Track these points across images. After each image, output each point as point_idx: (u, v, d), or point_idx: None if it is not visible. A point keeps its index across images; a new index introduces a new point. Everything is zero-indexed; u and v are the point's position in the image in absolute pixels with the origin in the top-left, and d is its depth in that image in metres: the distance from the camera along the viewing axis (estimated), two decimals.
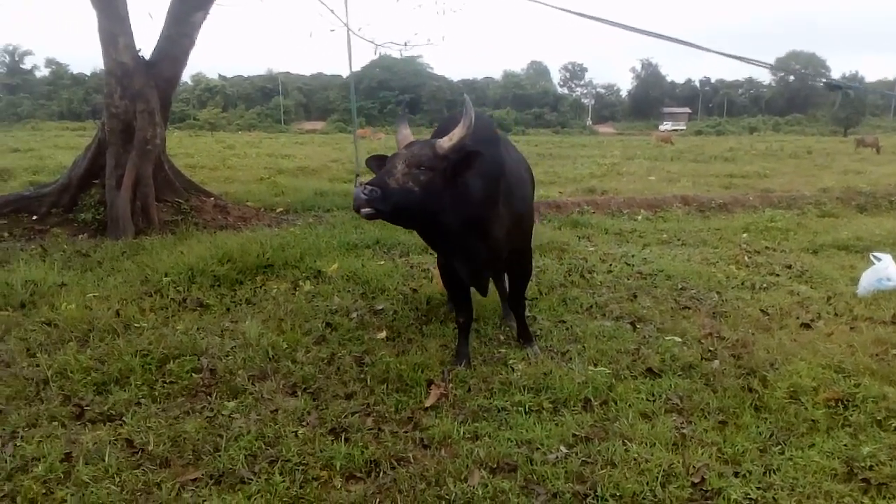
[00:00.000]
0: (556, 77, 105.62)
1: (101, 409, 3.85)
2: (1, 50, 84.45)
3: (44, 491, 3.05)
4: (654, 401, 4.07)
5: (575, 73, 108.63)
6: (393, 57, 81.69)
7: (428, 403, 4.02)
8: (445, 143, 3.82)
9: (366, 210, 3.61)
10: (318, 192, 13.02)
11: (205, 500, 2.98)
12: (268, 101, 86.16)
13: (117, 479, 3.15)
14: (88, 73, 77.87)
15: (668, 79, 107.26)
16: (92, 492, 3.03)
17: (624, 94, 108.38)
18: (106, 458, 3.28)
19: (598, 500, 3.05)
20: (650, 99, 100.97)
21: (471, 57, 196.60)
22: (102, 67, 9.07)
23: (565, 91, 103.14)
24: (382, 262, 7.39)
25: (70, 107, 75.77)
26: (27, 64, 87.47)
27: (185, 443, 3.48)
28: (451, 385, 4.23)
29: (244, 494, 3.03)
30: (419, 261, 7.66)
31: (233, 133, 54.75)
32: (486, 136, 4.17)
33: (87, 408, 3.86)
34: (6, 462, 3.26)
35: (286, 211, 11.40)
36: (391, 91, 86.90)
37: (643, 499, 3.08)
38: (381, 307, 5.86)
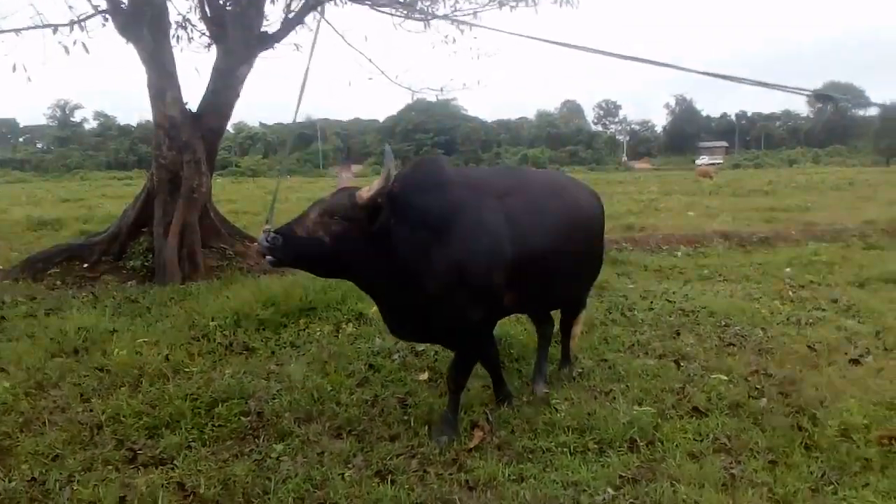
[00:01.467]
0: (590, 115, 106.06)
1: (153, 453, 3.94)
2: (53, 105, 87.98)
3: None
4: (701, 440, 4.03)
5: (609, 110, 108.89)
6: (428, 100, 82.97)
7: (472, 445, 4.03)
8: (365, 193, 3.63)
9: (268, 258, 3.62)
10: None
11: None
12: (307, 147, 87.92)
13: None
14: (135, 124, 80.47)
15: (704, 113, 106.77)
16: None
17: (659, 129, 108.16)
18: (158, 502, 3.36)
19: None
20: (686, 134, 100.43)
21: (505, 98, 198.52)
22: (148, 118, 9.46)
23: (599, 128, 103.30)
24: None
25: (117, 157, 78.18)
26: (77, 117, 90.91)
27: (234, 486, 3.55)
28: (494, 426, 4.22)
29: None
30: None
31: (272, 178, 55.84)
32: (429, 183, 3.94)
33: (140, 451, 3.96)
34: None
35: None
36: (426, 133, 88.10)
37: None
38: (422, 348, 5.90)
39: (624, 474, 3.63)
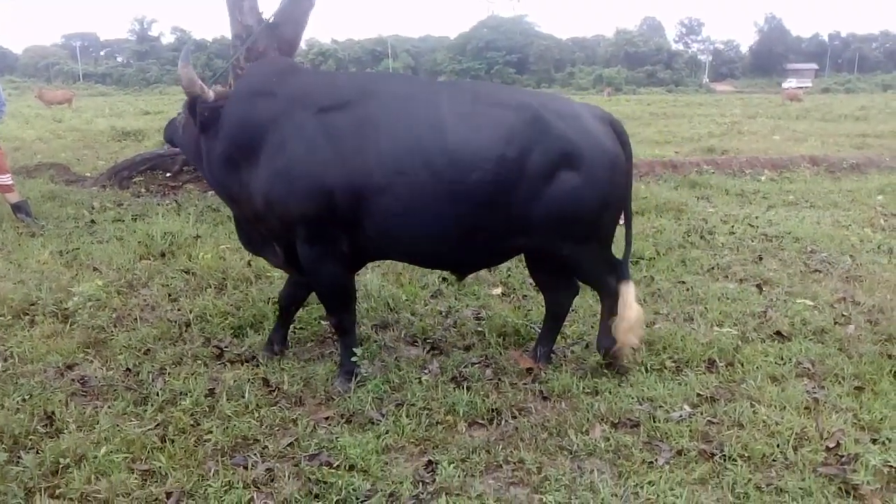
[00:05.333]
0: (671, 33, 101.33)
1: (239, 351, 4.11)
2: (132, 19, 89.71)
3: (191, 422, 3.30)
4: (783, 364, 3.93)
5: (692, 28, 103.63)
6: (500, 17, 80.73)
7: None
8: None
9: None
10: None
11: (338, 437, 3.14)
12: (378, 64, 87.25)
13: (257, 414, 3.37)
14: (210, 39, 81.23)
15: (794, 33, 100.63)
16: (234, 425, 3.25)
17: (744, 50, 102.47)
18: (246, 395, 3.52)
19: (725, 460, 3.00)
20: (773, 55, 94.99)
21: (581, 15, 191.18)
22: (223, 34, 9.42)
23: (681, 48, 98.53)
24: None
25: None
26: (154, 31, 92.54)
27: (316, 384, 3.68)
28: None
29: (374, 434, 3.17)
30: None
31: None
32: (243, 91, 3.61)
33: (226, 349, 4.13)
34: (157, 395, 3.54)
35: None
36: (498, 51, 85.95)
37: (774, 461, 3.00)
38: None
39: (702, 393, 3.59)
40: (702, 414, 3.39)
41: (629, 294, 3.68)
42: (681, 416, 3.36)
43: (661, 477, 2.87)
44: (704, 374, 3.83)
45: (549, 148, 3.31)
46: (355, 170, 3.31)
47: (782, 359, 4.00)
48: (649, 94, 59.73)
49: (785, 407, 3.43)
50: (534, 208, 3.35)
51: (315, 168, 3.33)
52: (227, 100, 3.58)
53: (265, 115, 3.43)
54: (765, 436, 3.17)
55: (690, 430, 3.23)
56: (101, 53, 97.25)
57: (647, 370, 3.87)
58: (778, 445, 3.09)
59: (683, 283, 5.42)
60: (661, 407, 3.45)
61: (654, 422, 3.31)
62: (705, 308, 4.81)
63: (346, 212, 3.36)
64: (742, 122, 21.77)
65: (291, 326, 4.34)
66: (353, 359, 3.69)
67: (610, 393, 3.60)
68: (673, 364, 3.93)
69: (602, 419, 3.36)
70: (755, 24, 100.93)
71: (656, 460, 3.01)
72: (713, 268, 5.82)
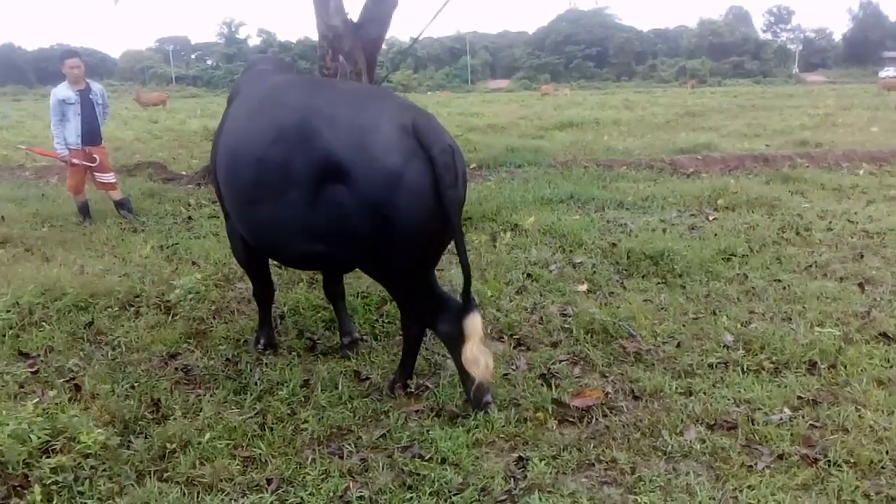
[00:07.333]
0: (758, 22, 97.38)
1: (330, 344, 4.23)
2: (220, 23, 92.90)
3: (289, 411, 3.41)
4: (890, 367, 3.73)
5: (780, 16, 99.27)
6: (580, 10, 79.66)
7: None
8: None
9: None
10: (509, 149, 13.05)
11: (429, 430, 3.18)
12: (456, 62, 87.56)
13: (350, 406, 3.45)
14: (294, 41, 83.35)
15: (892, 19, 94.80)
16: (329, 415, 3.35)
17: (837, 38, 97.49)
18: (339, 386, 3.61)
19: (829, 466, 2.87)
20: (869, 43, 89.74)
21: (663, 5, 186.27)
22: (307, 35, 9.64)
23: (769, 37, 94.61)
24: (578, 217, 7.35)
25: None
26: (242, 34, 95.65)
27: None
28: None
29: (464, 428, 3.19)
30: (615, 216, 7.51)
31: (423, 94, 56.47)
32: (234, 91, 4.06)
33: (319, 341, 4.26)
34: (256, 385, 3.67)
35: (479, 167, 11.59)
36: (577, 45, 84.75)
37: (883, 468, 2.86)
38: (579, 261, 5.85)
39: (803, 396, 3.45)
40: (803, 417, 3.26)
41: (473, 327, 3.17)
42: (781, 419, 3.24)
43: (761, 481, 2.78)
44: (805, 375, 3.68)
45: (311, 158, 3.08)
46: (224, 157, 3.64)
47: (888, 361, 3.80)
48: (736, 86, 57.66)
49: (893, 412, 3.26)
50: (313, 219, 3.17)
51: (215, 157, 3.85)
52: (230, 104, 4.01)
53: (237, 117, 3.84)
54: (872, 441, 3.03)
55: (791, 434, 3.11)
56: (192, 56, 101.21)
57: (743, 371, 3.75)
58: (887, 452, 2.94)
59: (779, 281, 5.22)
60: (759, 409, 3.34)
61: (753, 424, 3.20)
62: (804, 307, 4.63)
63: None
64: (836, 113, 20.76)
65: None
66: None
67: (705, 394, 3.51)
68: (771, 365, 3.80)
69: (697, 420, 3.27)
70: (849, 11, 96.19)
71: (756, 464, 2.92)
72: (811, 265, 5.59)
